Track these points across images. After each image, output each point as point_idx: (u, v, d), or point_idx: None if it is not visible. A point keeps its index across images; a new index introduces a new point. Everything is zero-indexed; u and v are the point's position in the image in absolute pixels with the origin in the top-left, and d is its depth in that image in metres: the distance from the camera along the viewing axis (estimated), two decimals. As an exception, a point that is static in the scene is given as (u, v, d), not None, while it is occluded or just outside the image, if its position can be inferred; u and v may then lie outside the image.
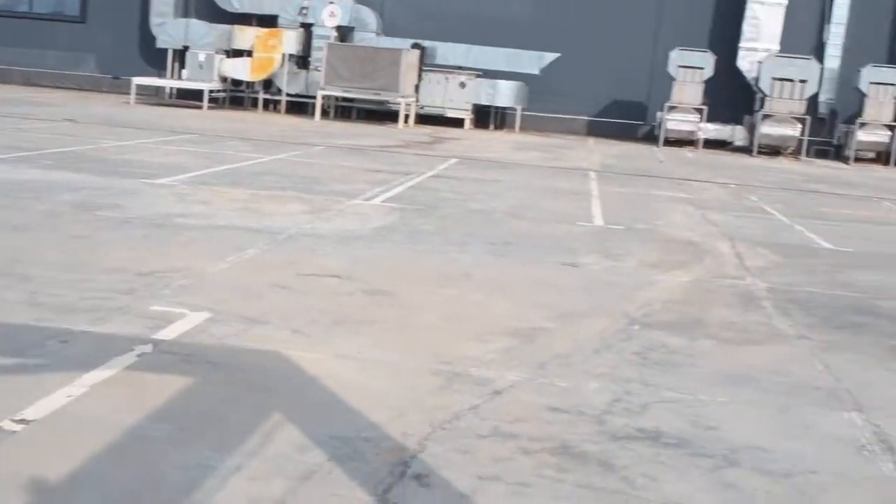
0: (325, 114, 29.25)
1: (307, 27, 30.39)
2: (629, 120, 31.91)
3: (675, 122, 29.69)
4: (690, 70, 29.44)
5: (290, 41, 29.89)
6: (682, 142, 29.78)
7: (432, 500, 4.13)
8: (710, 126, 29.90)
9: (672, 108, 29.59)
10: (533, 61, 30.46)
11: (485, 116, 30.92)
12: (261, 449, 4.47)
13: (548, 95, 31.02)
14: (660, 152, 27.78)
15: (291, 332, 6.39)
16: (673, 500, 4.29)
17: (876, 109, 29.17)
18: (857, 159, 29.33)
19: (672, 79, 29.44)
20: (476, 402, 5.29)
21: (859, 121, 29.18)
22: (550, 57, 30.35)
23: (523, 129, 30.85)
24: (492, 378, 5.73)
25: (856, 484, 4.66)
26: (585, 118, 32.20)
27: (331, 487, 4.14)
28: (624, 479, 4.44)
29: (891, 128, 29.21)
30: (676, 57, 29.39)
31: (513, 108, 31.02)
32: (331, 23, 29.90)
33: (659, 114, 30.17)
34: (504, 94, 30.35)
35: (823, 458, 4.93)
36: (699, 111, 29.51)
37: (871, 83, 29.09)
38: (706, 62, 29.41)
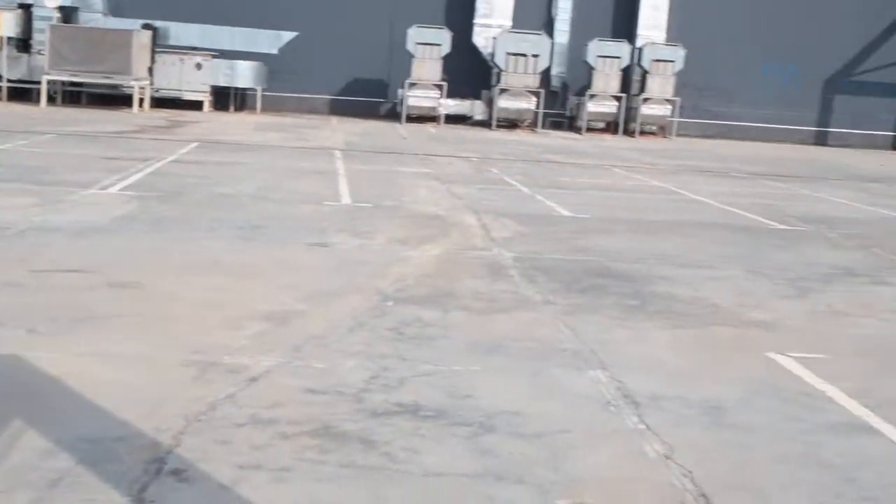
0: (51, 100, 27.79)
1: (26, 8, 28.69)
2: (371, 98, 32.12)
3: (416, 99, 30.16)
4: (429, 47, 29.94)
5: (7, 23, 28.11)
6: (424, 118, 30.29)
7: (192, 496, 3.99)
8: (451, 101, 30.56)
9: (413, 85, 30.02)
10: (270, 41, 30.08)
11: (224, 98, 30.30)
12: (0, 459, 4.18)
13: (288, 75, 30.76)
14: (403, 129, 28.13)
15: (28, 333, 6.01)
16: (434, 470, 4.34)
17: (604, 82, 30.73)
18: (589, 129, 30.83)
19: (411, 56, 29.84)
20: (232, 391, 5.17)
21: (589, 93, 30.65)
22: (288, 36, 30.07)
23: (265, 109, 30.45)
24: (247, 365, 5.61)
25: (604, 438, 4.87)
26: (327, 97, 32.16)
27: (81, 493, 3.93)
28: (385, 455, 4.46)
29: (617, 98, 30.85)
30: (414, 34, 29.80)
31: (253, 89, 30.56)
32: (52, 3, 28.36)
33: (400, 91, 30.54)
34: (243, 75, 29.84)
35: (573, 417, 5.13)
36: (439, 87, 30.09)
37: (598, 56, 30.60)
38: (443, 39, 29.98)
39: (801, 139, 33.54)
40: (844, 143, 33.66)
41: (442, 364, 5.89)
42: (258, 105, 30.40)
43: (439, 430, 4.83)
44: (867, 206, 16.14)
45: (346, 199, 12.94)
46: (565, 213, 12.94)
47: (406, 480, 4.23)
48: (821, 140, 33.90)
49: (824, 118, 34.00)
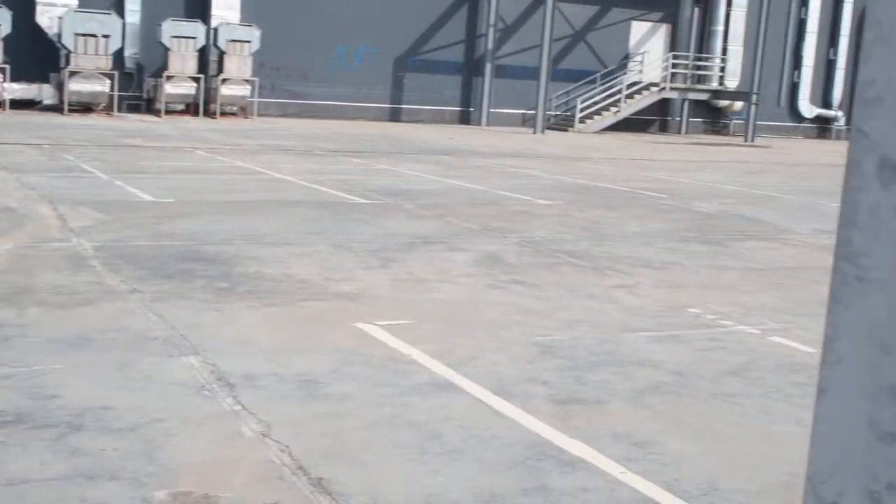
0: None
1: None
2: (-77, 83, 29.29)
3: (-24, 84, 27.95)
4: (-14, 27, 27.82)
5: None
6: (-13, 104, 28.14)
7: None
8: (16, 86, 28.67)
9: (-30, 69, 27.77)
10: None
11: None
12: None
13: None
14: (-38, 116, 25.98)
15: None
16: (18, 478, 4.07)
17: (180, 63, 30.15)
18: (168, 111, 30.15)
19: (-34, 37, 27.59)
20: None
21: (166, 74, 29.95)
22: None
23: None
24: None
25: (200, 423, 4.81)
26: None
27: None
28: (-39, 469, 4.12)
29: (196, 79, 30.40)
30: (-32, 14, 27.57)
31: None
32: None
33: (-45, 75, 28.15)
34: None
35: (167, 406, 5.02)
36: (1, 71, 28.08)
37: (173, 37, 29.97)
38: (4, 19, 28.00)
39: (376, 116, 34.91)
40: (416, 118, 35.48)
41: (21, 365, 5.53)
42: None
43: (22, 434, 4.53)
44: (440, 178, 17.15)
45: None
46: (148, 198, 12.59)
47: (-13, 493, 3.94)
48: (395, 116, 35.50)
49: (397, 95, 35.62)
